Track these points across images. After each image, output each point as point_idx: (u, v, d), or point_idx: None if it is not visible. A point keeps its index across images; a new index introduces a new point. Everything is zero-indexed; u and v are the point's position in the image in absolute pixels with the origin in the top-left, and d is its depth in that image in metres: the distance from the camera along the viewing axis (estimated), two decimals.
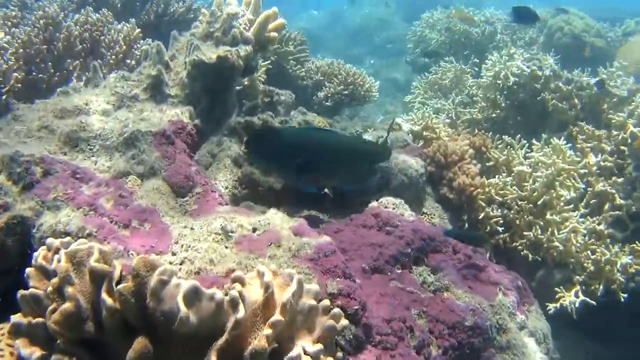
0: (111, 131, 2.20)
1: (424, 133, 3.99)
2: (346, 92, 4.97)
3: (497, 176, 3.79)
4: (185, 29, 4.79)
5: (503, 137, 4.08)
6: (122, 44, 3.31)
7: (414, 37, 8.06)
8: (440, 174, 3.70)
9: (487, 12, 7.80)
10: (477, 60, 6.09)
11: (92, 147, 2.13)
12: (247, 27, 2.73)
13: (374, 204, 2.87)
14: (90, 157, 2.10)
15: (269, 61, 4.34)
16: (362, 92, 5.05)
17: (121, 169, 2.07)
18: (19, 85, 2.74)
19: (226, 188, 3.36)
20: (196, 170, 2.23)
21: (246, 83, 3.82)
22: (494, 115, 4.87)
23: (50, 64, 3.10)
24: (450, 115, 4.91)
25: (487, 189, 3.68)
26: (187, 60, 2.56)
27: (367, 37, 12.36)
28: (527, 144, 3.99)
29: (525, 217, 3.63)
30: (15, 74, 2.74)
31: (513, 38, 7.30)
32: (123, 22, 3.59)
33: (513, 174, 3.82)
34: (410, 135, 3.90)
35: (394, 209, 2.84)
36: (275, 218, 1.91)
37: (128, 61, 3.33)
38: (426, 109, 5.15)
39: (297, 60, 4.82)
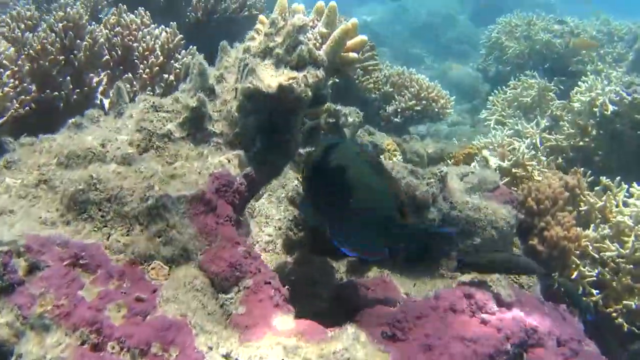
0: (131, 191, 1.61)
1: (514, 170, 3.35)
2: (418, 107, 4.34)
3: (592, 226, 3.18)
4: (239, 29, 4.24)
5: (601, 178, 3.43)
6: (159, 53, 2.70)
7: (488, 42, 7.35)
8: (530, 222, 3.13)
9: (571, 21, 7.02)
10: (564, 79, 5.37)
11: (104, 214, 1.55)
12: (318, 44, 2.11)
13: (464, 278, 2.26)
14: (101, 229, 1.52)
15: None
16: (436, 109, 4.41)
17: (142, 250, 1.49)
18: (28, 108, 2.14)
19: (279, 229, 2.82)
20: (245, 252, 1.62)
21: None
22: (581, 143, 4.25)
23: (69, 78, 2.52)
24: (534, 140, 4.24)
25: (582, 242, 3.12)
26: (239, 88, 1.97)
27: (431, 36, 11.64)
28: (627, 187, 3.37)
29: (624, 279, 3.05)
30: (22, 96, 2.14)
31: (600, 53, 6.53)
32: (162, 26, 2.99)
33: (610, 224, 3.19)
34: (498, 173, 3.26)
35: (490, 287, 2.25)
36: (358, 352, 1.31)
37: (165, 76, 2.72)
38: (505, 130, 4.50)
39: (365, 69, 4.20)
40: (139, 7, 3.06)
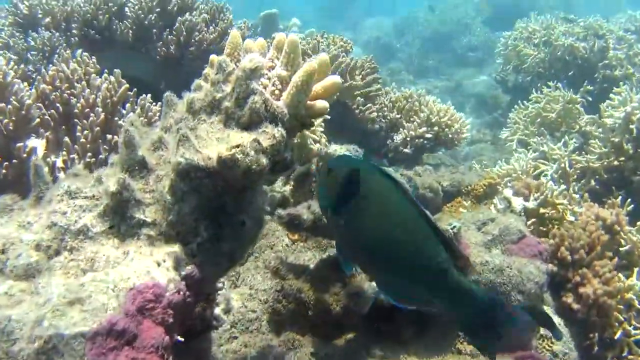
0: (21, 325, 1.16)
1: (542, 210, 2.86)
2: (429, 135, 3.85)
3: (637, 271, 2.72)
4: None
5: None
6: (100, 110, 2.24)
7: (504, 50, 6.83)
8: (563, 274, 2.65)
9: (594, 21, 6.47)
10: (591, 88, 4.83)
11: None
12: (277, 91, 1.65)
13: None
14: None
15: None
16: (450, 135, 3.92)
17: None
18: None
19: (265, 302, 2.37)
20: None
21: (296, 141, 2.80)
22: (616, 163, 3.77)
23: None
24: (562, 164, 3.74)
25: (626, 294, 2.66)
26: (171, 164, 1.50)
27: (445, 45, 11.14)
28: None
29: None
30: None
31: (629, 54, 5.97)
32: (106, 72, 2.53)
33: None
34: (523, 217, 2.77)
35: None
36: None
37: (109, 137, 2.26)
38: (529, 152, 4.00)
39: (367, 97, 3.72)
40: (84, 52, 2.62)
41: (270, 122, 1.57)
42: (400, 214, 1.60)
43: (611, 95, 3.89)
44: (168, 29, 3.49)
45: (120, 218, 1.48)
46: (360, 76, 3.72)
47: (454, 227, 2.31)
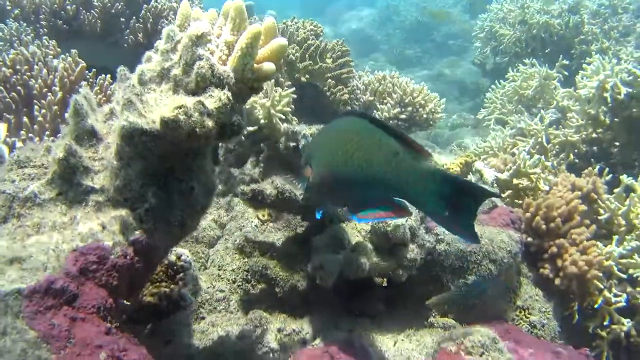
0: None
1: (515, 181, 2.84)
2: (404, 115, 3.83)
3: (616, 238, 2.68)
4: None
5: (621, 177, 2.93)
6: (57, 89, 2.22)
7: (481, 33, 6.81)
8: (540, 245, 2.62)
9: None
10: (567, 62, 4.82)
11: None
12: (224, 56, 1.62)
13: (449, 346, 1.77)
14: None
15: (295, 85, 3.26)
16: (424, 115, 3.90)
17: None
18: None
19: (234, 282, 2.36)
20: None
21: (263, 122, 2.77)
22: (594, 135, 3.74)
23: None
24: (539, 139, 3.73)
25: (604, 262, 2.62)
26: (115, 128, 1.48)
27: (425, 34, 11.11)
28: None
29: None
30: None
31: (604, 29, 5.96)
32: (66, 54, 2.50)
33: (638, 232, 2.68)
34: (496, 187, 2.75)
35: (482, 354, 1.76)
36: None
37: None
38: (506, 130, 3.99)
39: (338, 79, 3.69)
40: (45, 37, 2.59)
41: (217, 87, 1.54)
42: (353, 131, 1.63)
43: (584, 65, 3.87)
44: (134, 17, 3.45)
45: (68, 185, 1.45)
46: (331, 59, 3.70)
47: None
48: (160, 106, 1.50)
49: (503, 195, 2.87)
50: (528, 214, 2.66)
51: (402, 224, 2.15)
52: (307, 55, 3.49)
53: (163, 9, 3.43)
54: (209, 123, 1.46)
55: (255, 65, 1.59)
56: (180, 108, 1.42)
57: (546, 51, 5.91)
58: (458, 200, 1.49)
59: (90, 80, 2.51)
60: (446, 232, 2.33)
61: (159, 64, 1.64)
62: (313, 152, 1.82)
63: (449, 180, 1.49)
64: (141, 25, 3.41)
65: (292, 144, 2.80)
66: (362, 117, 1.64)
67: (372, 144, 1.58)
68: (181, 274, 2.12)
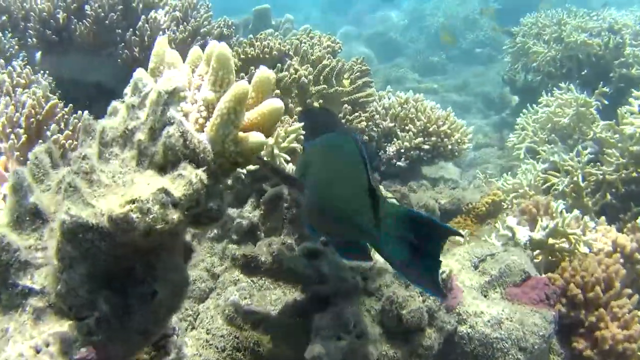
0: None
1: (550, 241, 2.48)
2: (426, 146, 3.46)
3: None
4: None
5: None
6: (21, 131, 1.85)
7: (512, 48, 6.40)
8: (574, 316, 2.27)
9: (608, 14, 6.02)
10: (608, 90, 4.40)
11: None
12: (202, 119, 1.27)
13: None
14: None
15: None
16: (449, 146, 3.53)
17: None
18: None
19: (223, 350, 2.07)
20: None
21: (266, 159, 2.44)
22: (635, 175, 3.41)
23: None
24: (575, 177, 3.34)
25: None
26: (56, 222, 1.13)
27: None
28: None
29: None
30: None
31: None
32: (35, 86, 2.15)
33: None
34: (529, 252, 2.38)
35: None
36: None
37: None
38: (538, 164, 3.61)
39: (355, 103, 3.33)
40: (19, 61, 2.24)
41: (191, 162, 1.19)
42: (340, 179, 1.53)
43: (630, 99, 3.48)
44: (131, 29, 3.10)
45: (1, 284, 1.11)
46: (349, 80, 3.33)
47: (443, 272, 1.93)
48: (119, 187, 1.15)
49: (535, 253, 2.50)
50: (562, 280, 2.30)
51: (420, 307, 1.81)
52: (321, 77, 3.14)
53: (162, 21, 3.07)
54: (175, 216, 1.11)
55: (240, 134, 1.24)
56: (134, 203, 1.07)
57: (582, 73, 5.49)
58: (421, 241, 1.38)
59: (65, 117, 2.16)
60: (472, 309, 1.98)
61: (123, 121, 1.30)
62: (305, 170, 1.71)
63: (414, 220, 1.40)
64: (137, 39, 3.05)
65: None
66: (353, 142, 1.51)
67: (353, 176, 1.45)
68: (163, 341, 1.80)
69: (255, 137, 1.22)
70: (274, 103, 1.24)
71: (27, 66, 2.33)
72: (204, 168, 1.17)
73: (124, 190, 1.13)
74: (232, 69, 1.26)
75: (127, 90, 1.35)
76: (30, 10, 3.04)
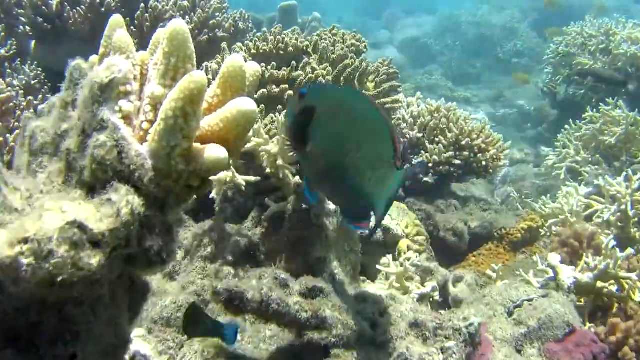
0: None
1: (599, 284, 2.10)
2: (458, 161, 3.08)
3: None
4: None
5: None
6: None
7: (554, 58, 5.99)
8: None
9: None
10: None
11: None
12: (147, 123, 0.92)
13: None
14: None
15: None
16: (484, 162, 3.15)
17: None
18: None
19: None
20: None
21: (269, 171, 2.12)
22: None
23: None
24: (623, 205, 2.96)
25: None
26: None
27: (488, 49, 10.26)
28: None
29: None
30: None
31: None
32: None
33: None
34: (573, 297, 2.00)
35: None
36: None
37: None
38: (580, 188, 3.23)
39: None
40: None
41: (127, 182, 0.85)
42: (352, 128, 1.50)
43: None
44: (129, 18, 2.76)
45: None
46: (374, 83, 2.97)
47: (471, 324, 1.56)
48: (24, 219, 0.82)
49: (580, 297, 2.13)
50: (613, 338, 1.92)
51: None
52: (342, 78, 2.77)
53: (165, 10, 2.73)
54: (94, 261, 0.78)
55: (193, 147, 0.89)
56: (26, 243, 0.73)
57: (630, 87, 5.07)
58: None
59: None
60: None
61: (55, 122, 0.97)
62: (315, 125, 1.53)
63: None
64: (135, 30, 2.71)
65: (304, 206, 2.12)
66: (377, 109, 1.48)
67: (371, 140, 1.48)
68: None
69: (213, 152, 0.86)
70: (242, 104, 0.89)
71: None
72: (139, 191, 0.83)
73: (30, 220, 0.79)
74: (192, 54, 0.91)
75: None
76: None
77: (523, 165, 5.62)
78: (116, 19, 1.08)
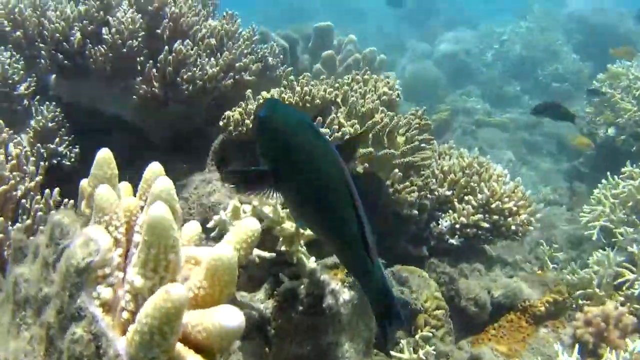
0: None
1: None
2: (485, 224, 2.95)
3: None
4: (221, 107, 2.98)
5: None
6: None
7: (596, 95, 5.79)
8: None
9: None
10: None
11: None
12: (128, 312, 0.82)
13: None
14: None
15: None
16: (513, 226, 3.02)
17: None
18: None
19: None
20: None
21: (284, 248, 2.03)
22: None
23: None
24: None
25: None
26: None
27: (528, 70, 10.01)
28: None
29: None
30: None
31: None
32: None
33: None
34: None
35: None
36: None
37: None
38: (614, 251, 3.10)
39: (409, 167, 2.83)
40: None
41: None
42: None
43: None
44: (151, 61, 2.66)
45: None
46: (405, 138, 2.84)
47: None
48: None
49: None
50: None
51: None
52: (370, 135, 2.66)
53: (189, 54, 2.63)
54: None
55: (175, 353, 0.80)
56: None
57: None
58: None
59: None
60: None
61: (38, 278, 0.90)
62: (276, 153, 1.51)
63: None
64: (157, 74, 2.62)
65: (316, 291, 2.03)
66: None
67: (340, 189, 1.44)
68: None
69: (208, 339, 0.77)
70: (225, 320, 0.79)
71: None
72: None
73: None
74: (174, 243, 0.81)
75: (45, 234, 0.94)
76: (43, 27, 2.65)
77: (555, 207, 5.44)
78: (104, 155, 1.01)
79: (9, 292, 0.96)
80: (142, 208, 1.03)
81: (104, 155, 1.00)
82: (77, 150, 2.53)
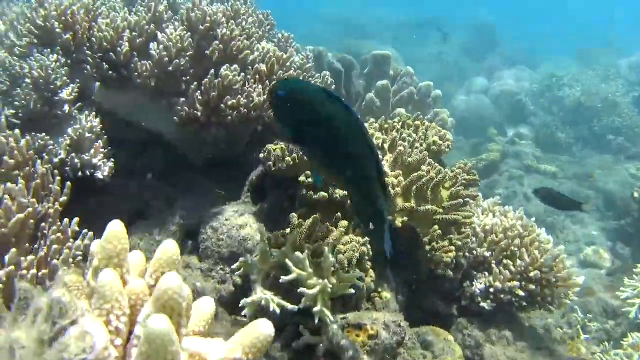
0: None
1: None
2: (521, 292, 2.83)
3: None
4: (265, 136, 2.92)
5: None
6: None
7: None
8: None
9: None
10: None
11: None
12: None
13: None
14: None
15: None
16: (549, 298, 2.89)
17: None
18: None
19: None
20: None
21: (307, 303, 1.96)
22: None
23: None
24: None
25: None
26: None
27: (584, 119, 9.75)
28: None
29: None
30: None
31: None
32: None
33: None
34: None
35: None
36: None
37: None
38: None
39: (450, 224, 2.72)
40: None
41: None
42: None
43: None
44: (196, 83, 2.60)
45: None
46: (449, 193, 2.73)
47: None
48: None
49: None
50: None
51: None
52: (414, 188, 2.56)
53: (235, 81, 2.55)
54: None
55: None
56: None
57: None
58: None
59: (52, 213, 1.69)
60: None
61: (36, 352, 0.87)
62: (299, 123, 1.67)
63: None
64: (201, 98, 2.55)
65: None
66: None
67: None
68: None
69: None
70: None
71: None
72: None
73: None
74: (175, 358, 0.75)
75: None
76: (91, 35, 2.60)
77: (594, 271, 5.26)
78: (115, 229, 0.95)
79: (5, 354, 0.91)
80: (151, 287, 0.97)
81: (115, 229, 0.94)
82: (111, 164, 2.48)
